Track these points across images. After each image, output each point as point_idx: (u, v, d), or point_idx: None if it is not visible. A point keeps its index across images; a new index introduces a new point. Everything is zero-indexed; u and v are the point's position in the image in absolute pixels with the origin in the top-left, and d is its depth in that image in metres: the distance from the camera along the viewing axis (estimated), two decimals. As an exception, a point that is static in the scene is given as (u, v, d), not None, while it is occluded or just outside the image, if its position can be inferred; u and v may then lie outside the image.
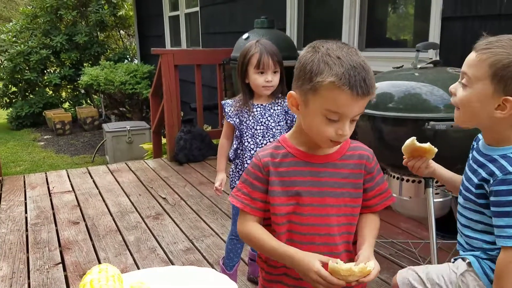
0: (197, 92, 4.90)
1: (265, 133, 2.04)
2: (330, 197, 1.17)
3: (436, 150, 1.47)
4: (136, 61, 9.67)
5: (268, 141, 2.02)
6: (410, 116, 2.01)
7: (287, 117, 2.06)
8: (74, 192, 3.85)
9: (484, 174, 1.26)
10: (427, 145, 1.46)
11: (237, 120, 2.06)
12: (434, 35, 2.88)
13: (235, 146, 2.11)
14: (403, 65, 2.42)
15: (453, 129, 1.93)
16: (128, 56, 9.84)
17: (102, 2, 9.34)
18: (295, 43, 4.09)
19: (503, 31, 2.47)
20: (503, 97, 1.18)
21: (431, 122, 1.95)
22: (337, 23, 3.80)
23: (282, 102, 2.05)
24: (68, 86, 9.70)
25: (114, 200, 3.65)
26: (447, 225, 2.45)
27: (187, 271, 1.17)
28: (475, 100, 1.23)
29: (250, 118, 2.05)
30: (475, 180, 1.29)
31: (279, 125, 2.05)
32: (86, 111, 8.79)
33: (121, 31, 10.66)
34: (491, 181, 1.22)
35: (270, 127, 2.04)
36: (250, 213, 1.20)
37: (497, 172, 1.22)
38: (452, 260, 1.44)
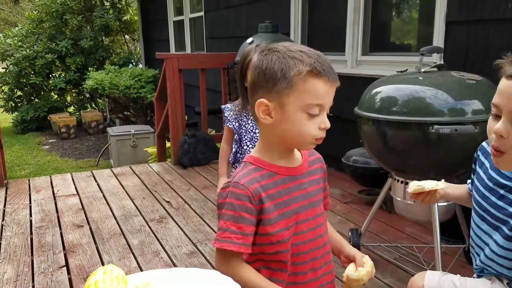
0: (201, 96, 4.92)
1: None
2: (316, 207, 1.14)
3: (440, 187, 1.42)
4: (141, 65, 9.71)
5: None
6: (414, 119, 2.01)
7: None
8: (79, 195, 3.87)
9: None
10: (429, 187, 1.42)
11: (236, 124, 2.07)
12: (438, 39, 2.88)
13: (234, 150, 2.12)
14: (407, 69, 2.42)
15: (457, 133, 1.93)
16: (132, 61, 9.89)
17: (107, 7, 9.41)
18: (299, 47, 4.09)
19: (508, 36, 2.47)
20: None
21: (435, 126, 1.94)
22: (341, 27, 3.80)
23: None
24: (73, 90, 9.76)
25: (118, 203, 3.66)
26: (451, 229, 2.44)
27: (191, 273, 1.17)
28: None
29: (249, 121, 2.05)
30: None
31: None
32: (90, 115, 8.83)
33: (126, 36, 10.71)
34: None
35: None
36: (244, 253, 1.05)
37: None
38: (475, 275, 1.41)
